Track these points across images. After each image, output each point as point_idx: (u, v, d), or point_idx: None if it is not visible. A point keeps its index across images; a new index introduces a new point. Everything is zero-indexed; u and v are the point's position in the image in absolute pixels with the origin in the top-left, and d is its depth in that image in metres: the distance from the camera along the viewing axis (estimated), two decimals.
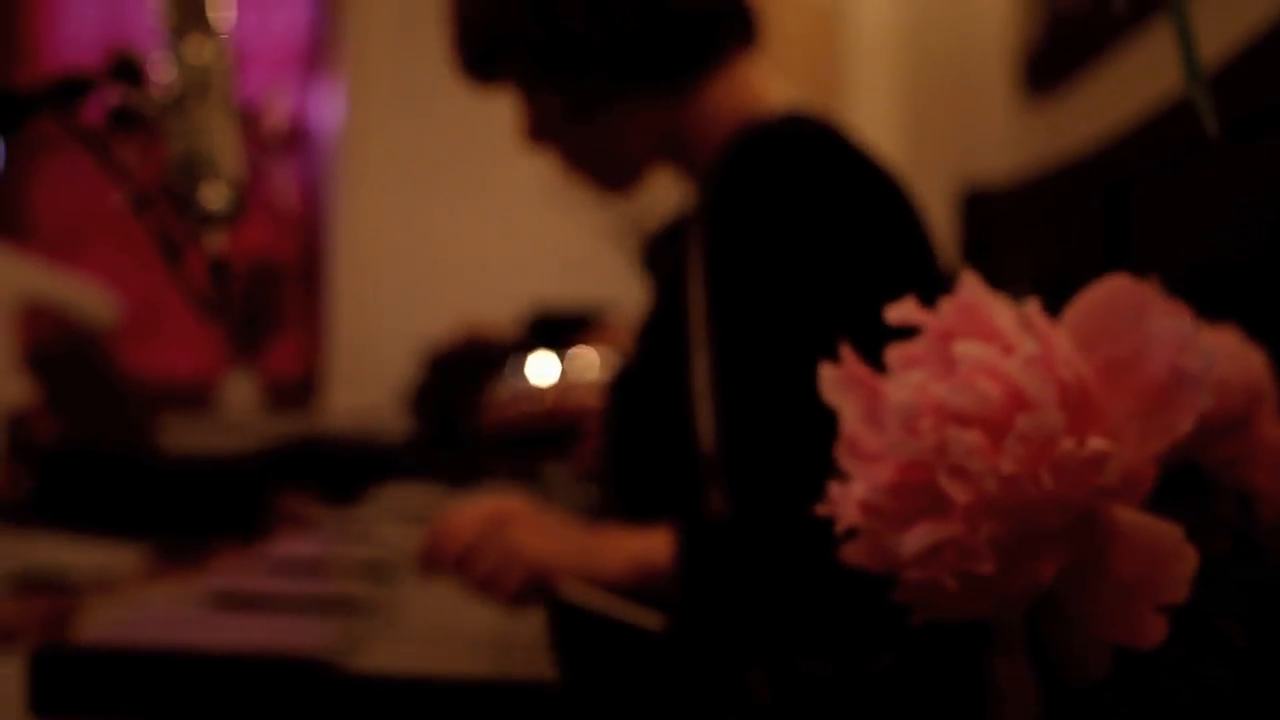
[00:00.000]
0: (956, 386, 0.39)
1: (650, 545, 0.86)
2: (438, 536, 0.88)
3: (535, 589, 0.85)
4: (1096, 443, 0.38)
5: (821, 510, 0.43)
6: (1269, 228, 1.32)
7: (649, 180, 1.15)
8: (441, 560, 0.87)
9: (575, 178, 1.13)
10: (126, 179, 0.83)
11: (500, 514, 0.87)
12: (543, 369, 1.95)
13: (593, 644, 0.93)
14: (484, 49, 1.06)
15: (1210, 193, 1.45)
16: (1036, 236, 2.15)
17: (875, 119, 3.83)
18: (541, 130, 1.08)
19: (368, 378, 4.20)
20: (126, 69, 0.85)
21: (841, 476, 0.43)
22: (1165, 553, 0.39)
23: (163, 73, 0.93)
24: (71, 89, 0.80)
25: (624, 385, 1.08)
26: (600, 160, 1.10)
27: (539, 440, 2.03)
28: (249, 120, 0.95)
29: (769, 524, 0.86)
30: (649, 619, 0.78)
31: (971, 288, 0.43)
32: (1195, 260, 1.48)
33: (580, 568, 0.85)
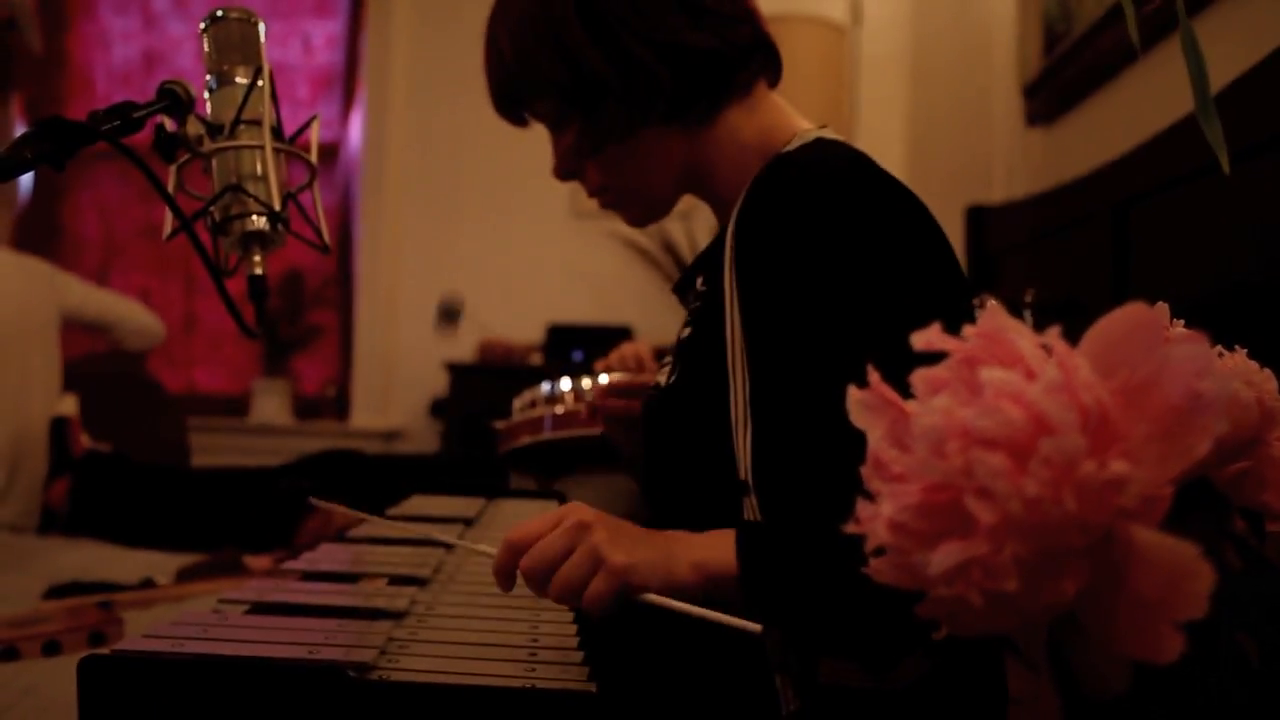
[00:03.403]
0: (982, 411, 0.40)
1: (713, 550, 0.86)
2: (517, 549, 0.87)
3: (622, 596, 0.84)
4: (1117, 465, 0.39)
5: (851, 529, 0.44)
6: (1259, 247, 1.33)
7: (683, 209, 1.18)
8: (527, 572, 0.86)
9: (604, 206, 1.17)
10: (175, 204, 0.85)
11: (580, 523, 0.85)
12: (558, 389, 1.97)
13: (625, 648, 0.94)
14: (516, 91, 1.11)
15: (1204, 213, 1.47)
16: (1037, 254, 2.16)
17: (884, 135, 3.84)
18: (571, 166, 1.12)
19: (394, 393, 4.24)
20: (174, 100, 0.87)
21: (870, 496, 0.44)
22: (1183, 571, 0.40)
23: (208, 103, 0.96)
24: (123, 119, 0.82)
25: (664, 405, 1.09)
26: (626, 191, 1.14)
27: (554, 457, 2.04)
28: (288, 146, 0.96)
29: (810, 534, 0.86)
30: (747, 624, 0.78)
31: (994, 315, 0.44)
32: (1191, 276, 1.50)
33: (657, 574, 0.84)
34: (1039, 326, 1.41)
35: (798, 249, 0.93)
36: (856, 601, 0.79)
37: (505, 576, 0.88)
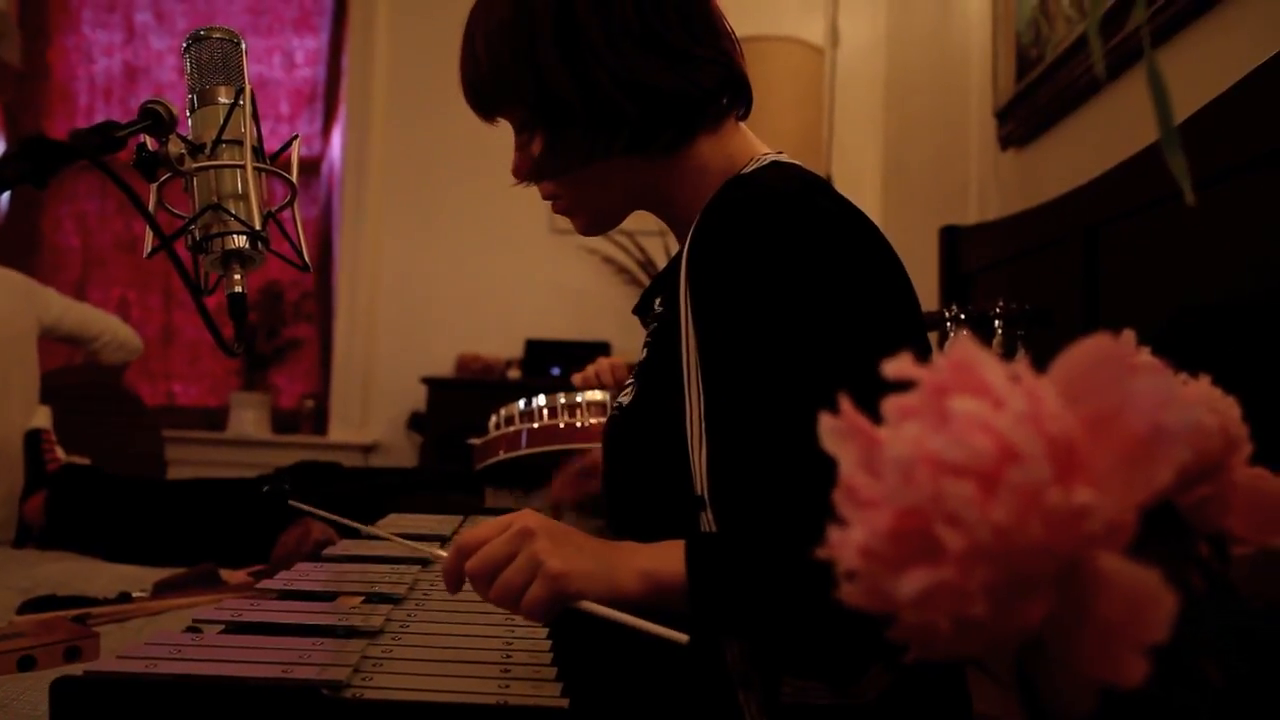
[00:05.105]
0: (951, 440, 0.41)
1: (662, 559, 0.87)
2: (465, 551, 0.89)
3: (558, 603, 0.85)
4: (1083, 493, 0.40)
5: (822, 553, 0.44)
6: (1225, 270, 1.36)
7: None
8: (472, 574, 0.88)
9: (556, 211, 1.18)
10: (155, 223, 0.86)
11: (524, 529, 0.88)
12: (534, 405, 1.97)
13: (597, 665, 0.95)
14: (485, 94, 1.12)
15: (1173, 236, 1.50)
16: (1010, 274, 2.18)
17: (860, 156, 3.87)
18: (528, 171, 1.13)
19: (372, 407, 4.23)
20: (156, 119, 0.88)
21: (840, 521, 0.45)
22: (1147, 596, 0.41)
23: (189, 122, 0.96)
24: (104, 138, 0.82)
25: (623, 424, 1.10)
26: (580, 203, 1.16)
27: (531, 472, 2.04)
28: (269, 166, 0.97)
29: (762, 546, 0.87)
30: (675, 635, 0.79)
31: (964, 346, 0.45)
32: (1159, 298, 1.52)
33: (598, 582, 0.85)
34: (1008, 335, 1.43)
35: (746, 269, 0.94)
36: (806, 611, 0.80)
37: (453, 578, 0.91)
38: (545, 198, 1.18)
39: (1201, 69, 1.64)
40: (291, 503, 1.11)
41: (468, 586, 0.90)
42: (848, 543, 0.43)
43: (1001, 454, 0.41)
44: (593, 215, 1.18)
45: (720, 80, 1.09)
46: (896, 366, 0.46)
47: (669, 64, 1.05)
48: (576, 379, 1.81)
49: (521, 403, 2.03)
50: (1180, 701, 0.48)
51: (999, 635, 0.42)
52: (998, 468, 0.40)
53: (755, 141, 1.15)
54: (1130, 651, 0.41)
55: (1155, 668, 0.41)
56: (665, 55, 1.05)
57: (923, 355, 0.47)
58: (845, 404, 0.47)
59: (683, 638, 0.77)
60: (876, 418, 0.46)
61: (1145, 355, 0.55)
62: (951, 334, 1.91)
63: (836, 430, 0.47)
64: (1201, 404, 0.57)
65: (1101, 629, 0.41)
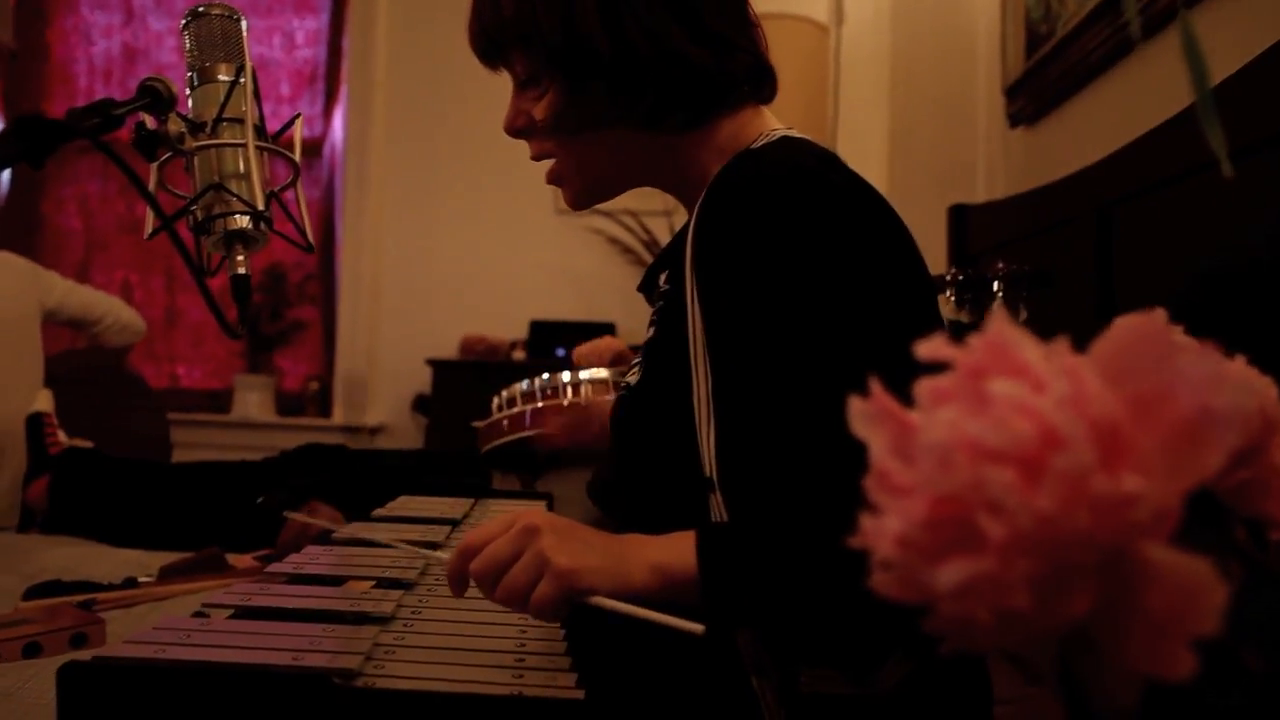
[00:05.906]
0: (990, 424, 0.39)
1: (672, 552, 0.85)
2: (469, 553, 0.87)
3: (568, 600, 0.83)
4: (1130, 480, 0.38)
5: (854, 542, 0.43)
6: (1241, 249, 1.34)
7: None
8: (477, 576, 0.86)
9: (549, 179, 1.15)
10: (156, 203, 0.84)
11: (528, 527, 0.85)
12: (537, 385, 1.95)
13: (612, 655, 0.93)
14: (500, 38, 1.08)
15: (1188, 215, 1.48)
16: (1020, 254, 2.17)
17: (867, 134, 3.84)
18: (523, 124, 1.10)
19: (377, 389, 4.23)
20: (155, 97, 0.86)
21: (872, 509, 0.43)
22: (1197, 586, 0.39)
23: (189, 100, 0.94)
24: (103, 117, 0.80)
25: (630, 405, 1.09)
26: (577, 170, 1.13)
27: (536, 453, 2.03)
28: (271, 145, 0.95)
29: (774, 534, 0.86)
30: (690, 625, 0.77)
31: (1000, 326, 0.43)
32: (1174, 278, 1.50)
33: (608, 577, 0.83)
34: (1009, 298, 1.43)
35: (755, 244, 0.92)
36: (821, 600, 0.79)
37: (458, 581, 0.89)
38: (536, 157, 1.14)
39: (1219, 44, 1.62)
40: (286, 514, 1.09)
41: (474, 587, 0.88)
42: (883, 531, 0.41)
43: (1044, 439, 0.39)
44: (587, 185, 1.14)
45: (748, 68, 1.07)
46: (929, 348, 0.44)
47: (701, 40, 1.03)
48: (577, 357, 1.80)
49: (524, 383, 2.01)
50: (1221, 692, 0.47)
51: (1041, 628, 0.40)
52: (1040, 453, 0.39)
53: (767, 117, 1.13)
54: (1179, 644, 0.39)
55: (1198, 658, 0.39)
56: (698, 31, 1.03)
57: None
58: (875, 387, 0.45)
59: (698, 628, 0.76)
60: (894, 398, 0.44)
61: (1181, 334, 0.53)
62: (951, 296, 1.89)
63: (866, 414, 0.45)
64: (1240, 384, 0.55)
65: (1149, 621, 0.40)
